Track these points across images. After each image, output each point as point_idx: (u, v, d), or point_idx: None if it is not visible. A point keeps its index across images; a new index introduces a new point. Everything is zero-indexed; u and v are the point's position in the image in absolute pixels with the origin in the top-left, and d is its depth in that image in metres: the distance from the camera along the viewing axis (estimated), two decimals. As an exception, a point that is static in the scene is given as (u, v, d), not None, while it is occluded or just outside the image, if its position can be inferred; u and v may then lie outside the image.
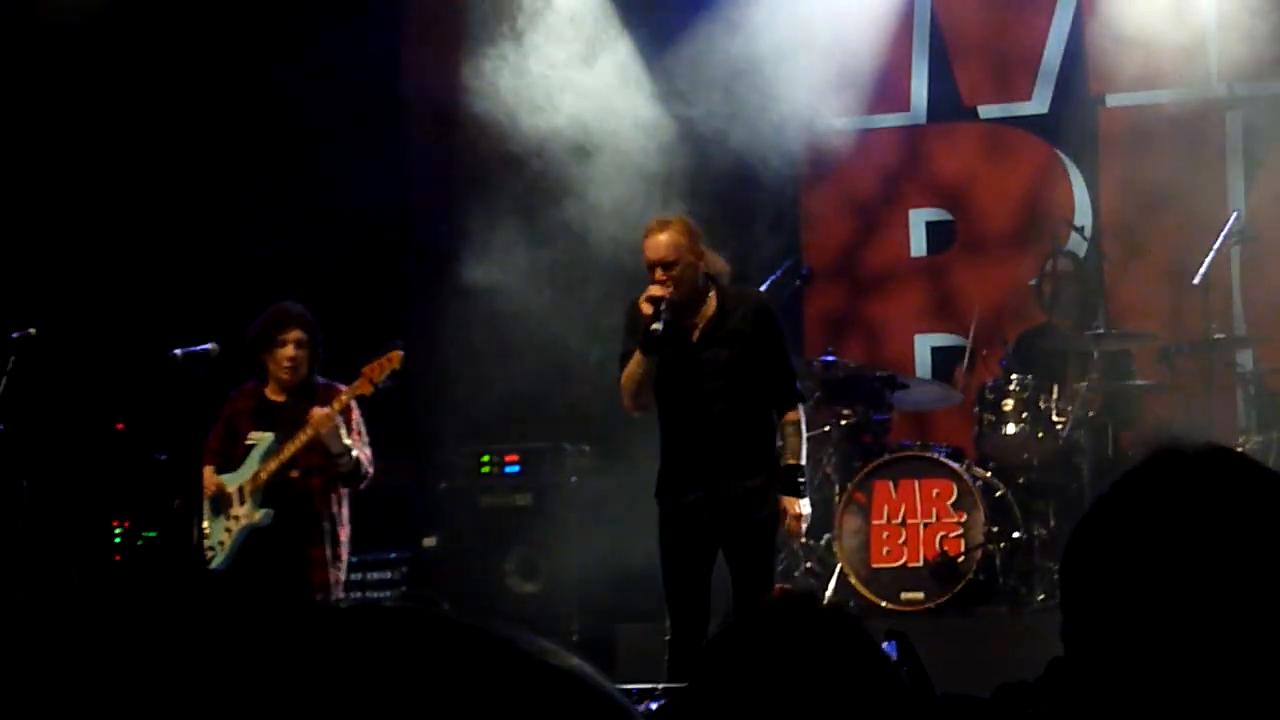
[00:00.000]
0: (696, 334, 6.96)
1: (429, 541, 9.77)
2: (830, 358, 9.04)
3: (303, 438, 7.43)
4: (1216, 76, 9.75)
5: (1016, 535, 8.57)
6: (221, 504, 7.55)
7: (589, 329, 9.31)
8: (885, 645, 2.83)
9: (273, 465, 7.49)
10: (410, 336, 8.03)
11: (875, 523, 8.64)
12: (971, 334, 9.36)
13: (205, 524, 7.55)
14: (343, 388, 7.52)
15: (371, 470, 7.58)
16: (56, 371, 8.86)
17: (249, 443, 7.57)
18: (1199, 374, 8.85)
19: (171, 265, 10.12)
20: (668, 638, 7.06)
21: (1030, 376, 8.72)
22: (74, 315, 9.37)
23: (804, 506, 6.98)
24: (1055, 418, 8.66)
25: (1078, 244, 9.64)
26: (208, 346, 7.51)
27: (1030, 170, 10.23)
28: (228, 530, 7.53)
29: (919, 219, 10.43)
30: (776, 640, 1.95)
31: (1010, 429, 8.69)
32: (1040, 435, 8.65)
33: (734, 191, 9.99)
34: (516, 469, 9.67)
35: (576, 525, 9.40)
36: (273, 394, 7.62)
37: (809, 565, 8.88)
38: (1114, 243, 9.92)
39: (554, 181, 9.82)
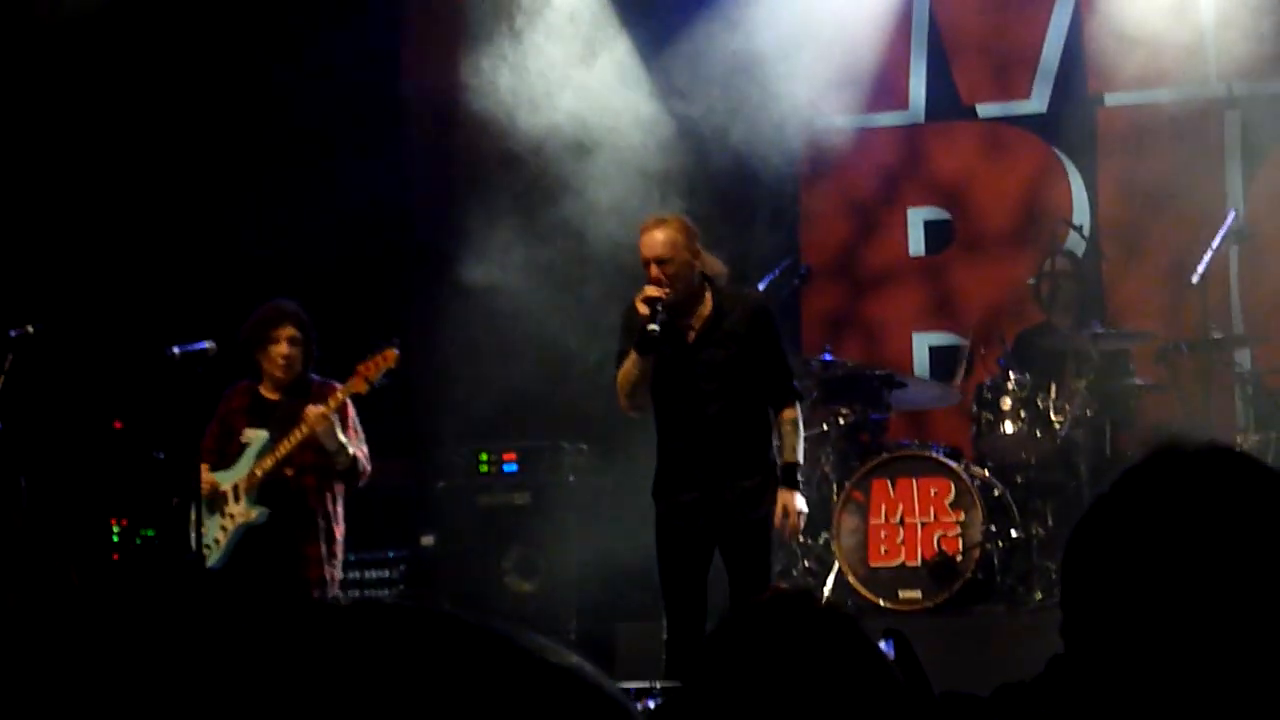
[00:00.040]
0: (692, 335, 6.95)
1: (427, 540, 9.76)
2: (828, 357, 9.04)
3: (297, 436, 7.42)
4: (1215, 76, 9.75)
5: (1014, 534, 8.56)
6: (217, 502, 7.54)
7: (588, 328, 9.31)
8: (883, 644, 2.83)
9: (268, 463, 7.48)
10: (409, 335, 8.02)
11: (873, 522, 8.64)
12: (970, 340, 9.37)
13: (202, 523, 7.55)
14: (338, 385, 7.52)
15: (369, 467, 7.58)
16: (54, 370, 8.86)
17: (244, 441, 7.56)
18: (1197, 373, 8.85)
19: (169, 263, 10.12)
20: (665, 637, 7.06)
21: (1028, 376, 8.72)
22: (72, 313, 9.37)
23: (801, 503, 6.98)
24: (1053, 417, 8.65)
25: (1076, 243, 9.64)
26: (205, 345, 7.50)
27: (1029, 169, 10.23)
28: (223, 528, 7.53)
29: (917, 218, 10.43)
30: (772, 638, 1.95)
31: (1008, 428, 8.69)
32: (1038, 434, 8.64)
33: (733, 189, 9.99)
34: (515, 468, 9.67)
35: (574, 524, 9.40)
36: (267, 392, 7.61)
37: (807, 564, 8.88)
38: (1112, 242, 9.92)
39: (553, 179, 9.82)
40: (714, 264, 7.09)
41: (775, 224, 10.24)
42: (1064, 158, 10.11)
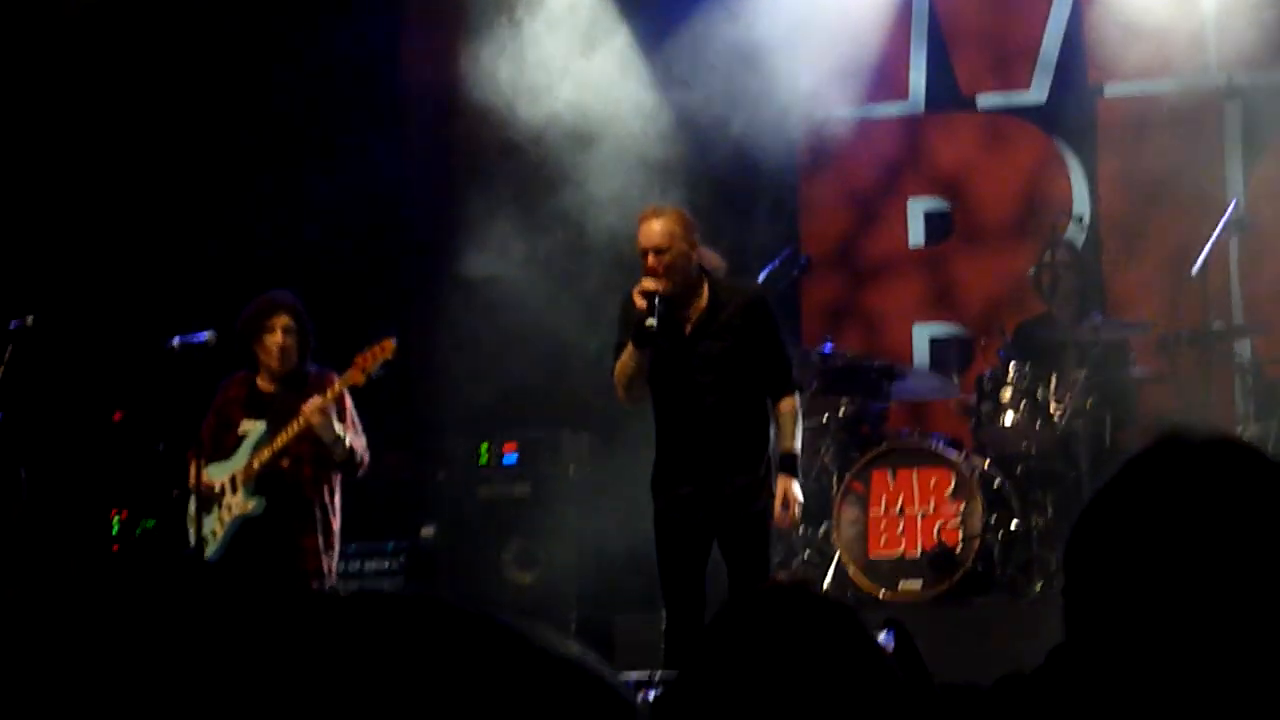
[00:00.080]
0: (689, 327, 6.94)
1: (427, 531, 9.77)
2: (828, 347, 9.04)
3: (294, 427, 7.41)
4: (1216, 66, 9.74)
5: (1014, 525, 8.56)
6: (213, 496, 7.54)
7: (587, 318, 9.29)
8: (883, 634, 2.83)
9: (265, 455, 7.47)
10: (408, 326, 8.03)
11: (873, 512, 8.64)
12: (972, 341, 9.42)
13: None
14: (335, 375, 7.51)
15: (366, 459, 7.57)
16: (54, 361, 8.86)
17: (241, 433, 7.55)
18: (1197, 364, 8.84)
19: (168, 254, 10.12)
20: (664, 628, 7.06)
21: (1028, 366, 8.71)
22: (71, 305, 9.37)
23: (799, 492, 6.98)
24: (1053, 407, 8.65)
25: (1076, 234, 9.64)
26: (205, 336, 7.49)
27: (1029, 160, 10.22)
28: (220, 520, 7.53)
29: (917, 209, 10.43)
30: (769, 629, 1.95)
31: (1008, 419, 8.69)
32: (1038, 425, 8.64)
33: (733, 180, 9.98)
34: (514, 459, 9.66)
35: (574, 515, 9.40)
36: (264, 383, 7.60)
37: (807, 555, 8.88)
38: (1112, 232, 9.92)
39: (553, 170, 9.80)
40: (711, 258, 7.10)
41: (775, 214, 10.23)
42: (1064, 148, 10.10)
